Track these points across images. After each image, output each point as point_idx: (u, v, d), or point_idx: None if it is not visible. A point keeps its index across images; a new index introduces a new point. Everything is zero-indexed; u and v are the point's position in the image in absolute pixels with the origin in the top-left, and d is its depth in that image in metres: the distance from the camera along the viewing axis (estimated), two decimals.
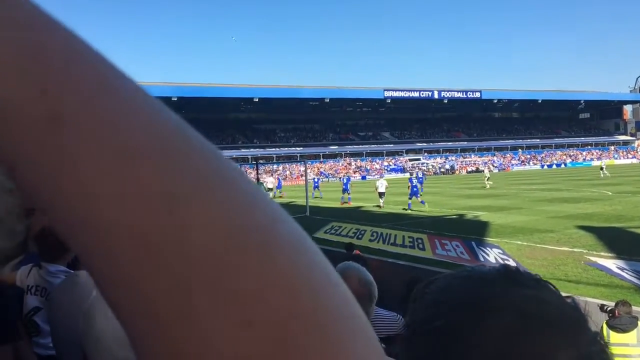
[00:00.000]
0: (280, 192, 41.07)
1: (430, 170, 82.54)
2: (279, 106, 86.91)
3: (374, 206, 27.95)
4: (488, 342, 0.57)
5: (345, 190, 30.87)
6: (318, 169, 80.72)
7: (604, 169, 48.02)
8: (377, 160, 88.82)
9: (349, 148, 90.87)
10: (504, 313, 0.59)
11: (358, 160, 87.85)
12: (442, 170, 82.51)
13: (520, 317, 0.58)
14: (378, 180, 28.96)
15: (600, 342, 0.60)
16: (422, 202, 25.68)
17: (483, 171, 31.84)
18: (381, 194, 27.60)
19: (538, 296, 0.61)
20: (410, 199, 25.77)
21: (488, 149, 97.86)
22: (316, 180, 43.70)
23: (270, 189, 41.39)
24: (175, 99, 74.15)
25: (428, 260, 11.80)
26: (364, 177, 77.60)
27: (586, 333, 0.60)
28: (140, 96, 0.26)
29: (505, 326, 0.58)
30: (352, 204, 30.19)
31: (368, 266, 3.58)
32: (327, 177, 77.16)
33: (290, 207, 29.33)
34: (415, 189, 25.83)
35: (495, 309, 0.60)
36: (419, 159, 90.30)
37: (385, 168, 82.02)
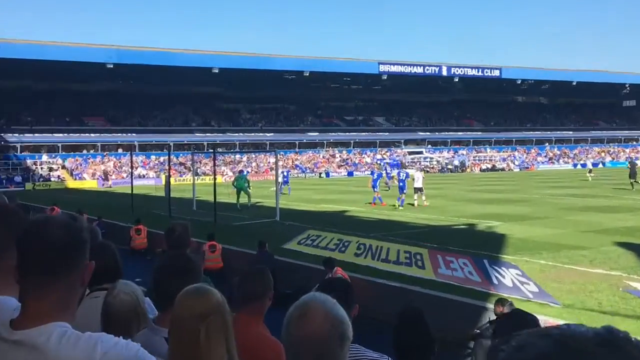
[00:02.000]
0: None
1: (435, 166, 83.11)
2: (245, 79, 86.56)
3: (407, 204, 28.04)
4: None
5: (374, 189, 31.56)
6: (293, 161, 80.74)
7: (591, 172, 51.16)
8: (368, 152, 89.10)
9: (333, 136, 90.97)
10: None
11: (344, 152, 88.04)
12: (449, 167, 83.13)
13: None
14: (415, 173, 31.57)
15: None
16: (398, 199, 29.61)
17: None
18: (418, 189, 29.90)
19: None
20: (401, 195, 29.73)
21: (508, 142, 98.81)
22: (286, 173, 43.48)
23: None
24: (112, 66, 73.35)
25: (428, 282, 11.86)
26: (350, 173, 77.81)
27: None
28: None
29: None
30: (332, 208, 30.23)
31: (351, 290, 3.59)
32: (303, 171, 77.23)
33: (256, 210, 29.25)
34: (402, 185, 29.97)
35: None
36: (420, 152, 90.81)
37: (379, 162, 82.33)
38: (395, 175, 32.24)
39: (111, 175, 68.15)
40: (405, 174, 31.86)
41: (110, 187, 60.58)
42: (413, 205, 29.73)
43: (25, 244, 1.91)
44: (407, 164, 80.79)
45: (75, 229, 1.97)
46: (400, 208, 28.95)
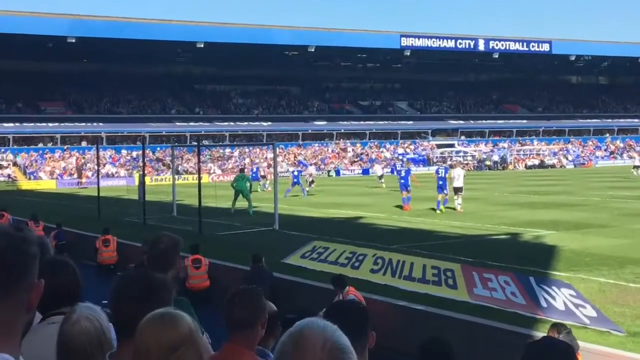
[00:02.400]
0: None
1: (470, 163, 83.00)
2: (236, 57, 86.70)
3: (433, 209, 28.07)
4: None
5: (404, 187, 32.12)
6: (295, 156, 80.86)
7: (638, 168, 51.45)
8: (388, 145, 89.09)
9: (344, 125, 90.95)
10: None
11: (357, 145, 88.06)
12: (487, 163, 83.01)
13: None
14: (454, 169, 32.35)
15: None
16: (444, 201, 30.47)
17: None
18: (458, 190, 30.78)
19: None
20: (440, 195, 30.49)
21: (559, 132, 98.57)
22: (296, 173, 44.54)
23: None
24: (74, 40, 73.55)
25: (461, 305, 11.84)
26: (366, 171, 77.80)
27: None
28: None
29: None
30: (343, 214, 30.24)
31: (366, 315, 3.57)
32: (307, 167, 77.21)
33: (250, 216, 29.24)
34: (442, 183, 30.75)
35: None
36: (452, 145, 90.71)
37: (400, 157, 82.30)
38: (434, 174, 33.47)
39: (85, 172, 67.71)
40: (444, 170, 32.62)
41: (85, 187, 59.76)
42: (455, 209, 30.05)
43: None
44: (435, 160, 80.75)
45: (19, 240, 1.95)
46: (438, 212, 29.62)
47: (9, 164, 69.74)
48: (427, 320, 10.75)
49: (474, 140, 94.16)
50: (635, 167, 53.06)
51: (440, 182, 30.82)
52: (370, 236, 21.58)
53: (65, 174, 67.97)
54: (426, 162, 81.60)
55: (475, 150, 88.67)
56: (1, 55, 75.49)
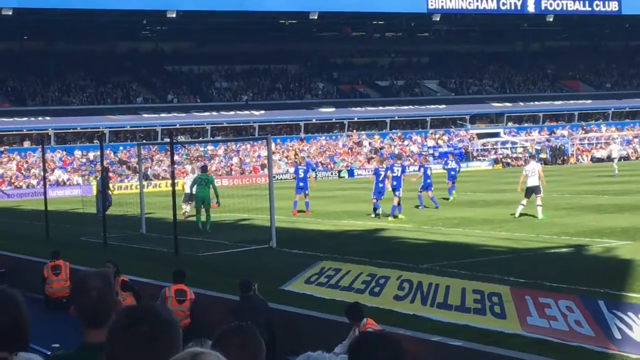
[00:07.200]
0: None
1: (522, 155, 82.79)
2: (218, 29, 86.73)
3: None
4: None
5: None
6: (296, 154, 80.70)
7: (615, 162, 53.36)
8: (415, 136, 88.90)
9: (358, 112, 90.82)
10: None
11: (376, 137, 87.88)
12: (541, 156, 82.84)
13: None
14: (528, 165, 32.81)
15: None
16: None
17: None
18: (531, 190, 30.49)
19: None
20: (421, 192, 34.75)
21: (634, 115, 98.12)
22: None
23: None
24: (10, 12, 73.44)
25: (511, 339, 11.82)
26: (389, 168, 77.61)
27: None
28: None
29: None
30: (359, 225, 30.21)
31: (399, 350, 3.57)
32: (313, 168, 77.16)
33: (242, 231, 29.21)
34: (427, 182, 34.59)
35: None
36: (497, 134, 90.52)
37: (431, 150, 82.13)
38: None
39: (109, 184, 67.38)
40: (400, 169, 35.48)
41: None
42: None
43: None
44: (474, 152, 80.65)
45: None
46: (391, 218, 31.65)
47: None
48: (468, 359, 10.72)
49: (524, 127, 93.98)
50: (611, 159, 53.33)
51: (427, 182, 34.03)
52: (393, 253, 21.58)
53: (2, 184, 67.79)
54: (464, 156, 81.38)
55: (525, 140, 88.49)
56: None
